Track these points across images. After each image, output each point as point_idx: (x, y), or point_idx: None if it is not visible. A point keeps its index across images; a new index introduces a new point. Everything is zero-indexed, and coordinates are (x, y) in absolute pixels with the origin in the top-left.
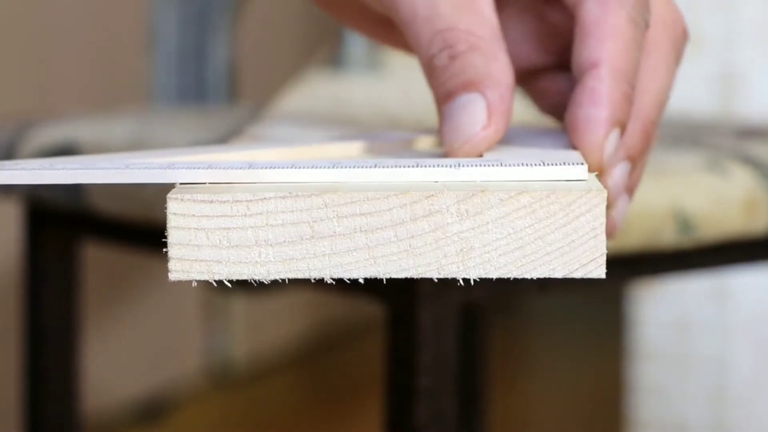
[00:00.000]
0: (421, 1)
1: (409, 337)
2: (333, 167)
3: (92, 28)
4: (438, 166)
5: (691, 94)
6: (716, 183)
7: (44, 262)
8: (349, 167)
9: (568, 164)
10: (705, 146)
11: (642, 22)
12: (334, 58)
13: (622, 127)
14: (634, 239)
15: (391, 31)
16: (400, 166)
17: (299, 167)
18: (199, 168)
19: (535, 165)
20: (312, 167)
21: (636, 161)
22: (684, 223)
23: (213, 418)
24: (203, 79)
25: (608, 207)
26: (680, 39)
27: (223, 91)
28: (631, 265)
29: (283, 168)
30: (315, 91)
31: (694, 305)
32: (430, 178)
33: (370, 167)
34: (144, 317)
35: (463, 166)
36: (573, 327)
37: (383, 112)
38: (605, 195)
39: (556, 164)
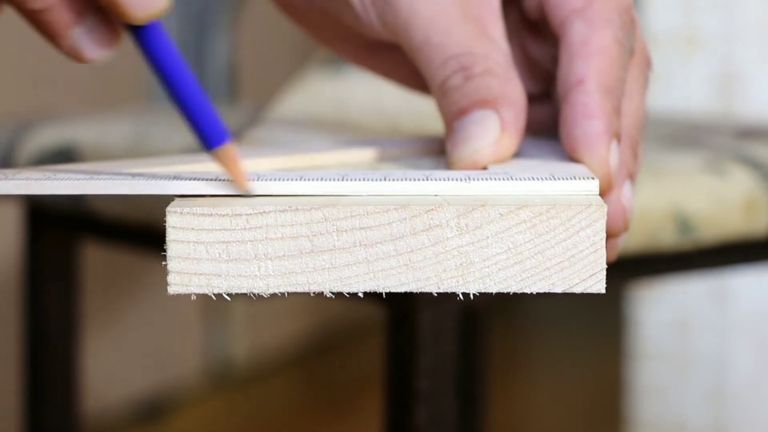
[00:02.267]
0: (434, 28)
1: (409, 339)
2: (341, 179)
3: None
4: (447, 179)
5: (691, 94)
6: (716, 184)
7: (44, 262)
8: (358, 180)
9: (579, 179)
10: (705, 147)
11: (628, 45)
12: (333, 58)
13: (618, 139)
14: (634, 240)
15: (374, 56)
16: (408, 179)
17: (307, 179)
18: (206, 179)
19: (546, 179)
20: (320, 179)
21: (632, 179)
22: (684, 223)
23: (213, 418)
24: (203, 79)
25: (625, 229)
26: (647, 66)
27: (223, 91)
28: (631, 266)
29: (291, 180)
30: (314, 91)
31: (694, 305)
32: (440, 191)
33: (379, 180)
34: (144, 317)
35: (473, 179)
36: (573, 327)
37: (383, 113)
38: (605, 210)
39: (567, 179)
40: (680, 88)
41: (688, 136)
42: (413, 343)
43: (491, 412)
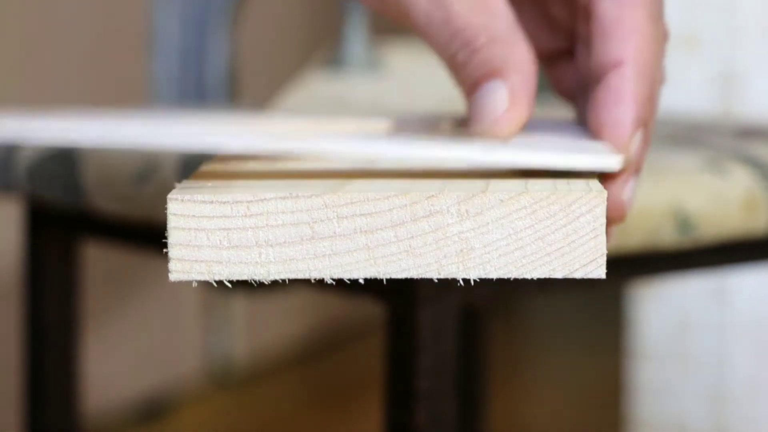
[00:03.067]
0: (434, 6)
1: (409, 338)
2: (396, 144)
3: (92, 28)
4: (487, 148)
5: (691, 94)
6: (716, 183)
7: (44, 262)
8: (419, 146)
9: (604, 153)
10: (705, 146)
11: (661, 23)
12: (334, 58)
13: (645, 127)
14: (634, 239)
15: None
16: (454, 144)
17: (346, 142)
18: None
19: (573, 152)
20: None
21: (638, 172)
22: (684, 222)
23: (213, 418)
24: (203, 79)
25: (621, 219)
26: (665, 40)
27: (223, 91)
28: (631, 265)
29: (333, 143)
30: (315, 91)
31: (694, 305)
32: (483, 158)
33: (443, 145)
34: (144, 317)
35: (503, 148)
36: (573, 327)
37: (383, 112)
38: (605, 195)
39: (593, 152)
40: (680, 88)
41: (688, 135)
42: (413, 343)
43: (491, 412)
